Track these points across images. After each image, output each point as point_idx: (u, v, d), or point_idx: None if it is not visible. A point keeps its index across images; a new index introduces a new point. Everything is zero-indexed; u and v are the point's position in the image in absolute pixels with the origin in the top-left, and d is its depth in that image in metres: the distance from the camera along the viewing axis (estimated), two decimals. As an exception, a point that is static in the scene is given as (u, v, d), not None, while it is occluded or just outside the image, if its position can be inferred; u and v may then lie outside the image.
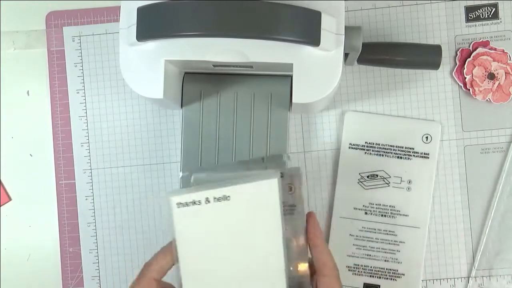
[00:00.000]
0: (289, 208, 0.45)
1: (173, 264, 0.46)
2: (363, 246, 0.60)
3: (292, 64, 0.50)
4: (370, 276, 0.60)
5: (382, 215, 0.60)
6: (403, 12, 0.62)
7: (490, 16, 0.61)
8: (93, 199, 0.63)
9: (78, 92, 0.63)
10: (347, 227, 0.61)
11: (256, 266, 0.44)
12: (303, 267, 0.45)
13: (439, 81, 0.61)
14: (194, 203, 0.43)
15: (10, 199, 0.63)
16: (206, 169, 0.48)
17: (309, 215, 0.46)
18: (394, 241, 0.60)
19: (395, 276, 0.60)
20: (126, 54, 0.51)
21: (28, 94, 0.64)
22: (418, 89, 0.61)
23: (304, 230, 0.46)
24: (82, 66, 0.63)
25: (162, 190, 0.62)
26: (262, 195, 0.43)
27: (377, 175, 0.60)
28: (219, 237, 0.44)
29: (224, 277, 0.44)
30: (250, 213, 0.44)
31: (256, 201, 0.43)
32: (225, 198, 0.43)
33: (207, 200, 0.43)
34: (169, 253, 0.46)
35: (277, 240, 0.44)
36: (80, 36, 0.63)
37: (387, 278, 0.60)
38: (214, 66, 0.54)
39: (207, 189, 0.43)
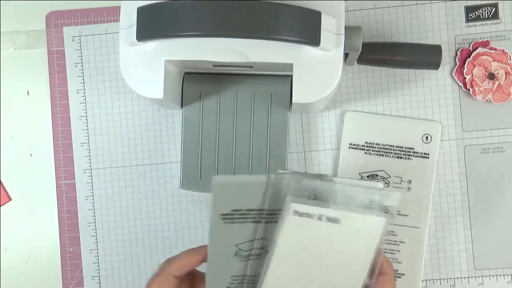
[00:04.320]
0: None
1: (198, 265, 0.47)
2: (363, 246, 0.60)
3: (292, 64, 0.50)
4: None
5: (382, 215, 0.60)
6: (403, 12, 0.62)
7: (490, 16, 0.61)
8: (93, 199, 0.63)
9: (78, 92, 0.63)
10: (347, 227, 0.61)
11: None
12: None
13: (439, 81, 0.61)
14: (308, 215, 0.44)
15: (10, 199, 0.63)
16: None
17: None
18: (394, 241, 0.60)
19: (395, 276, 0.60)
20: (126, 54, 0.51)
21: (28, 94, 0.64)
22: (418, 89, 0.61)
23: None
24: (82, 66, 0.63)
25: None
26: (368, 228, 0.44)
27: (377, 175, 0.60)
28: (313, 253, 0.45)
29: None
30: (350, 240, 0.44)
31: (361, 232, 0.44)
32: (336, 220, 0.44)
33: (320, 218, 0.44)
34: (197, 254, 0.46)
35: (361, 272, 0.45)
36: (80, 36, 0.63)
37: (387, 278, 0.60)
38: (214, 66, 0.54)
39: (324, 207, 0.44)
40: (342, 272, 0.45)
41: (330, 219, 0.44)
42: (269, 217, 0.44)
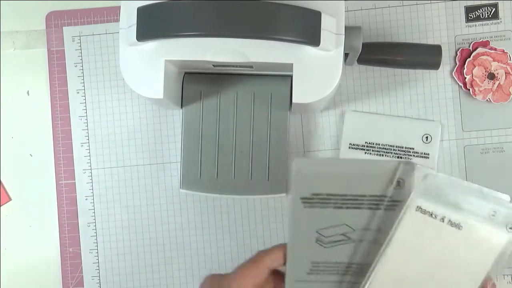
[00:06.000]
0: (391, 203, 0.44)
1: (283, 264, 0.46)
2: (363, 246, 0.60)
3: (292, 64, 0.50)
4: (370, 276, 0.60)
5: (382, 215, 0.60)
6: (403, 12, 0.62)
7: (490, 16, 0.61)
8: (93, 199, 0.63)
9: (78, 92, 0.63)
10: (347, 227, 0.60)
11: None
12: None
13: (439, 81, 0.61)
14: (431, 214, 0.43)
15: (10, 199, 0.63)
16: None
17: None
18: (394, 241, 0.60)
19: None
20: (126, 54, 0.51)
21: (28, 94, 0.64)
22: (418, 89, 0.61)
23: None
24: (82, 66, 0.63)
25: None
26: (489, 241, 0.43)
27: (377, 175, 0.60)
28: (427, 254, 0.43)
29: None
30: (467, 250, 0.43)
31: (481, 244, 0.43)
32: (458, 226, 0.43)
33: (442, 219, 0.43)
34: (283, 251, 0.46)
35: (470, 285, 0.43)
36: (80, 36, 0.63)
37: (387, 278, 0.60)
38: (214, 66, 0.54)
39: (449, 209, 0.43)
40: (451, 280, 0.43)
41: (452, 223, 0.42)
42: (353, 202, 0.43)
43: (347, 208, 0.44)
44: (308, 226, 0.44)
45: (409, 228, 0.43)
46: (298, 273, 0.46)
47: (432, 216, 0.43)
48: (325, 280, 0.46)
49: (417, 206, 0.43)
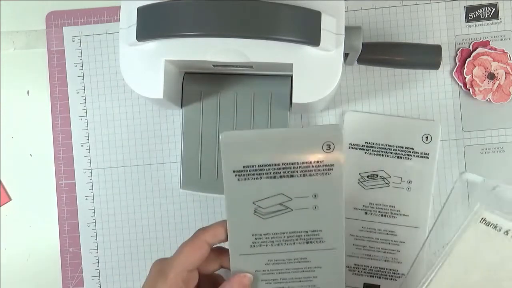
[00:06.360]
0: (325, 168, 0.43)
1: (225, 240, 0.46)
2: (363, 246, 0.60)
3: (292, 64, 0.50)
4: (370, 276, 0.60)
5: (382, 215, 0.60)
6: (403, 12, 0.62)
7: (490, 16, 0.61)
8: (93, 199, 0.63)
9: (78, 92, 0.63)
10: (347, 227, 0.60)
11: None
12: None
13: (439, 81, 0.61)
14: (495, 227, 0.42)
15: (10, 199, 0.63)
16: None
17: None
18: (394, 241, 0.60)
19: (395, 276, 0.60)
20: (126, 54, 0.51)
21: (28, 94, 0.64)
22: (418, 89, 0.61)
23: (339, 195, 0.44)
24: (82, 66, 0.63)
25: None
26: None
27: (377, 175, 0.60)
28: (486, 268, 0.42)
29: None
30: None
31: None
32: None
33: (506, 232, 0.41)
34: (224, 226, 0.45)
35: None
36: (80, 36, 0.63)
37: (387, 278, 0.60)
38: (214, 66, 0.54)
39: None
40: None
41: None
42: (286, 171, 0.43)
43: (281, 177, 0.43)
44: (244, 199, 0.44)
45: (471, 240, 0.42)
46: (241, 247, 0.45)
47: (496, 229, 0.42)
48: (269, 252, 0.45)
49: (482, 218, 0.42)
